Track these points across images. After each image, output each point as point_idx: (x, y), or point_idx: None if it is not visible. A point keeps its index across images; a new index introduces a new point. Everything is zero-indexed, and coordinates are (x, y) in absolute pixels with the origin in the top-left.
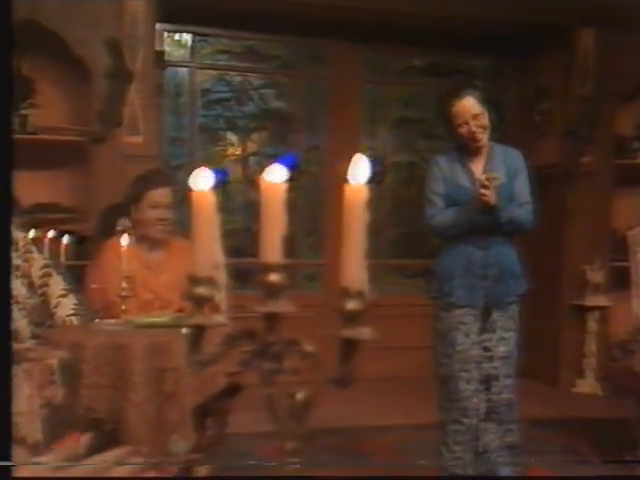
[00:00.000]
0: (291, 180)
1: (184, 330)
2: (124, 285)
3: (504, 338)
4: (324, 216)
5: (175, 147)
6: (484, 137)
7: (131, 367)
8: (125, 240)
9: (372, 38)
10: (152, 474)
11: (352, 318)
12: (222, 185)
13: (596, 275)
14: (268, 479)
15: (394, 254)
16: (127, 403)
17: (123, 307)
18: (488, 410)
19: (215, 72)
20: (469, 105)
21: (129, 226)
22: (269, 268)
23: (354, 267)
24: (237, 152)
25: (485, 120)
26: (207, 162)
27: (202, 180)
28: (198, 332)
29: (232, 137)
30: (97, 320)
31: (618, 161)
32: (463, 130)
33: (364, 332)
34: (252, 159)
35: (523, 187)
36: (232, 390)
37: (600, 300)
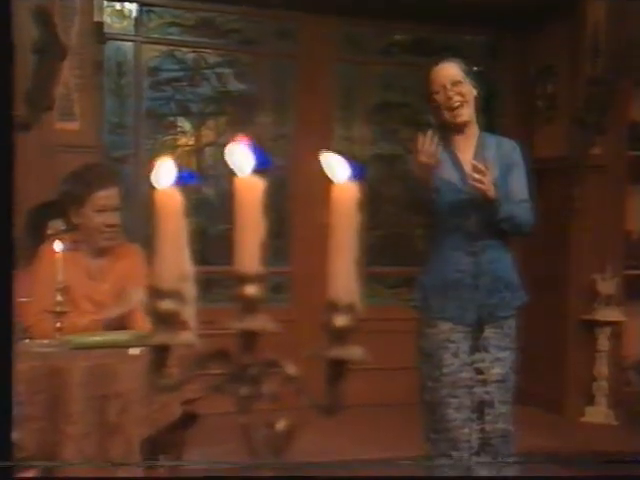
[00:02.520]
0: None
1: (131, 350)
2: (59, 298)
3: (499, 359)
4: (292, 215)
5: (117, 135)
6: (463, 109)
7: (68, 395)
8: (59, 246)
9: (348, 10)
10: None
11: (341, 336)
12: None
13: (607, 285)
14: (266, 479)
15: (373, 261)
16: (63, 437)
17: (58, 324)
18: (481, 442)
19: (164, 48)
20: (449, 70)
21: (63, 229)
22: (246, 279)
23: (343, 277)
24: (190, 142)
25: (466, 90)
26: (155, 153)
27: (166, 174)
28: (162, 353)
29: (184, 124)
30: (27, 340)
31: (633, 153)
32: (439, 97)
33: (355, 352)
34: (208, 150)
35: (520, 183)
36: (188, 420)
37: (612, 314)
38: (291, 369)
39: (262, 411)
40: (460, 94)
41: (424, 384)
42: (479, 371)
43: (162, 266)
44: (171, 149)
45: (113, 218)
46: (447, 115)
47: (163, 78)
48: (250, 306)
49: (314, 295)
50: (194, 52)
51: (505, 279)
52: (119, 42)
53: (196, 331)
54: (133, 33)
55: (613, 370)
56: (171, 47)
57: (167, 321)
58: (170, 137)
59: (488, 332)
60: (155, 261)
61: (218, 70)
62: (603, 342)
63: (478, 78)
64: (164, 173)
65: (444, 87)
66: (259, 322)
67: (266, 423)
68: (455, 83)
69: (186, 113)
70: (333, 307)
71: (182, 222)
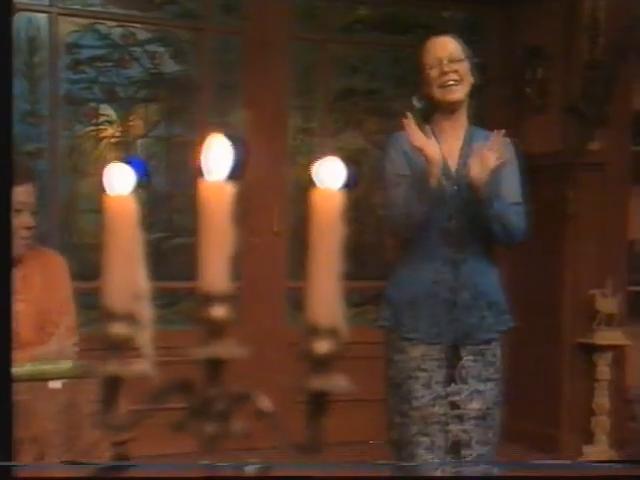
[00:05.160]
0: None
1: (51, 384)
2: None
3: (478, 391)
4: (241, 221)
5: (29, 125)
6: (459, 89)
7: None
8: None
9: None
10: None
11: (323, 364)
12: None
13: (608, 303)
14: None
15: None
16: None
17: None
18: None
19: (85, 21)
20: (449, 45)
21: None
22: (212, 299)
23: (325, 297)
24: (117, 133)
25: (464, 70)
26: (75, 146)
27: (120, 176)
28: (113, 385)
29: (110, 112)
30: None
31: (637, 148)
32: (434, 73)
33: (338, 382)
34: (140, 142)
35: (512, 185)
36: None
37: (614, 337)
38: (264, 403)
39: (230, 451)
40: (457, 72)
41: (392, 420)
42: (455, 405)
43: (112, 283)
44: (94, 141)
45: (31, 219)
46: (438, 93)
47: (84, 57)
48: (217, 330)
49: (268, 313)
50: (121, 26)
51: (488, 296)
52: (31, 14)
53: (152, 359)
54: (47, 3)
55: (615, 402)
56: (93, 20)
57: (118, 348)
58: (93, 127)
59: (466, 360)
60: (104, 278)
61: (150, 48)
62: (603, 369)
63: (477, 69)
64: (119, 176)
65: (440, 62)
66: (227, 348)
67: (235, 465)
68: (453, 60)
69: (112, 99)
70: (313, 331)
71: (136, 232)
